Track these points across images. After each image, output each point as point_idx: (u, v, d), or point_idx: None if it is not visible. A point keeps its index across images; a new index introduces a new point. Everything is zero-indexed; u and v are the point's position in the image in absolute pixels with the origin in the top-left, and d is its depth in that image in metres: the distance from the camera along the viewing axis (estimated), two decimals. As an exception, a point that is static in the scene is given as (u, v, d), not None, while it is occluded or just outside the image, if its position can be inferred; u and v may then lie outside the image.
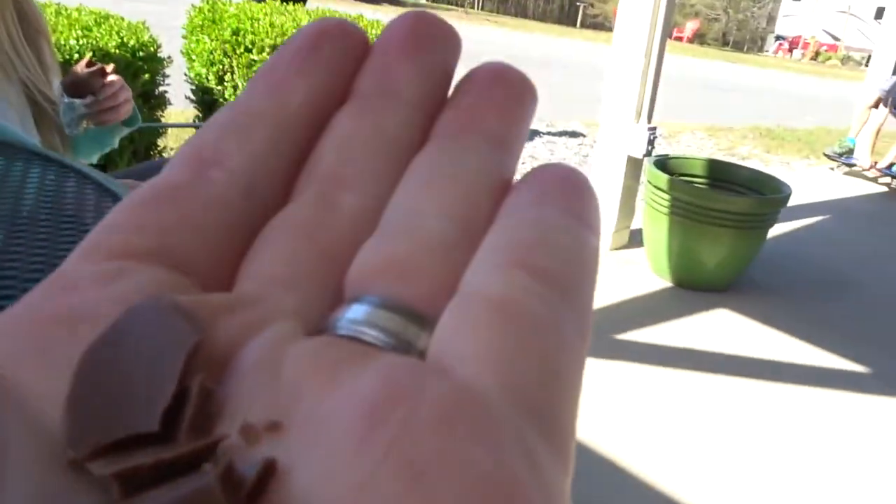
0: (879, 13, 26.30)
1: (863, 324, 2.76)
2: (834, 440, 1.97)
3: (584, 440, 1.77)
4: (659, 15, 2.84)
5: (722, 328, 2.56)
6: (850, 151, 5.12)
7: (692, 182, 3.03)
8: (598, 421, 1.89)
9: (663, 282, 2.87)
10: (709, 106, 8.57)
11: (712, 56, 19.95)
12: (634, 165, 3.03)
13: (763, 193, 2.86)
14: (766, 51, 32.33)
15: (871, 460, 1.90)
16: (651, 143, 2.97)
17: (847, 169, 5.17)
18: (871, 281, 3.20)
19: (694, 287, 2.81)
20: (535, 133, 5.47)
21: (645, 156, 2.96)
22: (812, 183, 4.83)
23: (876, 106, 4.89)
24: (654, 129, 2.98)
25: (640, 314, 2.59)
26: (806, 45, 25.91)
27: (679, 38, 29.68)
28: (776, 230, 3.68)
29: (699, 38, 38.17)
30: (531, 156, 4.71)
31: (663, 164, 2.96)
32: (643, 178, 2.96)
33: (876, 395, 2.23)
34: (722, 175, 3.04)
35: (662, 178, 2.74)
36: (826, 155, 5.36)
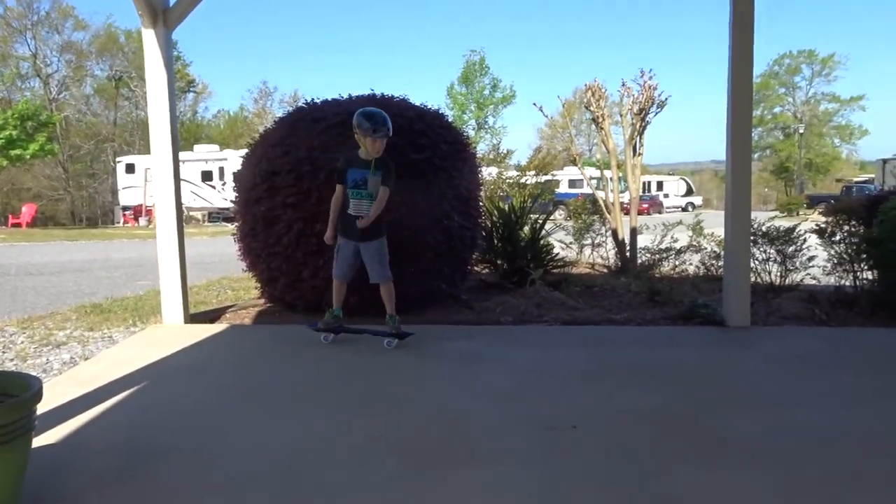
0: (206, 176, 29.81)
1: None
2: None
3: None
4: None
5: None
6: (338, 318, 4.80)
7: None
8: None
9: None
10: (36, 293, 7.89)
11: (55, 237, 19.08)
12: None
13: (16, 395, 2.47)
14: (118, 222, 33.09)
15: None
16: None
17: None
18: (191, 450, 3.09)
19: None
20: None
21: None
22: (125, 356, 4.71)
23: None
24: None
25: None
26: (149, 211, 27.46)
27: (18, 225, 27.65)
28: (89, 416, 3.28)
29: (48, 220, 36.42)
30: None
31: None
32: None
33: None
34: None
35: None
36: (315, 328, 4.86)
